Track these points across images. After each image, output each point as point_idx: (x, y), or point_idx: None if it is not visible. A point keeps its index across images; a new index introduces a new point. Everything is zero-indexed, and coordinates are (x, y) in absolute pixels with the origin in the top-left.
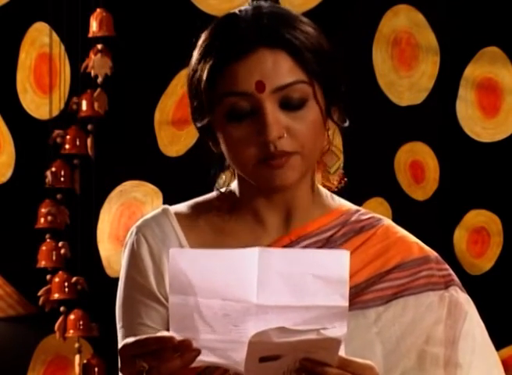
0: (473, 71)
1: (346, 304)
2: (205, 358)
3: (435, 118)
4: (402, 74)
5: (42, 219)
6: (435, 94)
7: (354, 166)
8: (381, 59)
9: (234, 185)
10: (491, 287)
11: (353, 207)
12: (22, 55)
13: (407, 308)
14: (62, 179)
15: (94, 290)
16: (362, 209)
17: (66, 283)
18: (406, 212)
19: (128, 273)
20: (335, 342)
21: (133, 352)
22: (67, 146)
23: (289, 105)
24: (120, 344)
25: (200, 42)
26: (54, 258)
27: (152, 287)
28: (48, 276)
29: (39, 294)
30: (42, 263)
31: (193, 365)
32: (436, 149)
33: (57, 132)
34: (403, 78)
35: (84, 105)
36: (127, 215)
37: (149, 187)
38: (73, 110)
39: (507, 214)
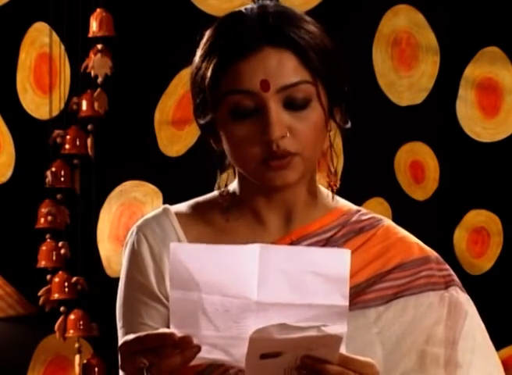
0: (473, 71)
1: (347, 303)
2: (206, 355)
3: (435, 118)
4: (402, 74)
5: (42, 219)
6: (435, 94)
7: (354, 166)
8: (381, 59)
9: (235, 185)
10: (491, 287)
11: (354, 207)
12: (22, 55)
13: (408, 308)
14: (62, 179)
15: (94, 290)
16: (363, 210)
17: (66, 283)
18: (406, 212)
19: (128, 273)
20: (336, 339)
21: (133, 349)
22: (67, 146)
23: (293, 104)
24: (120, 342)
25: (204, 40)
26: (54, 258)
27: (153, 287)
28: (48, 276)
29: (39, 294)
30: (42, 263)
31: (194, 362)
32: (436, 149)
33: (57, 132)
34: (403, 78)
35: (84, 105)
36: (127, 215)
37: (149, 187)
38: (73, 110)
39: (507, 214)
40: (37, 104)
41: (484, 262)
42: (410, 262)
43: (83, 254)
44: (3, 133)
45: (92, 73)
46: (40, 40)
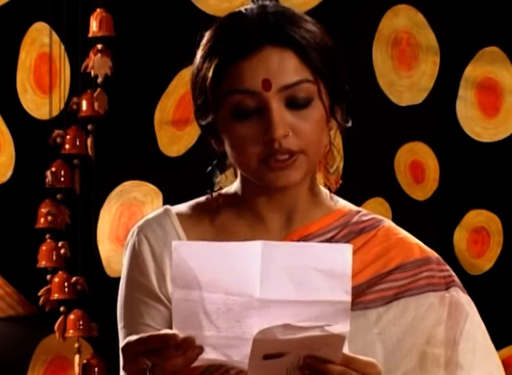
0: (473, 71)
1: (349, 299)
2: (208, 356)
3: (435, 118)
4: (402, 74)
5: (42, 219)
6: (435, 94)
7: (354, 166)
8: (381, 59)
9: (236, 185)
10: (491, 287)
11: (354, 208)
12: (22, 55)
13: (408, 308)
14: (62, 179)
15: (94, 290)
16: (363, 210)
17: (66, 284)
18: (406, 212)
19: (129, 273)
20: (339, 338)
21: (136, 350)
22: (67, 146)
23: (295, 103)
24: (123, 343)
25: (204, 41)
26: (54, 258)
27: (154, 287)
28: (48, 276)
29: (39, 294)
30: (42, 263)
31: (196, 363)
32: (436, 149)
33: (57, 132)
34: (403, 78)
35: (84, 105)
36: (127, 215)
37: (149, 187)
38: (73, 110)
39: (507, 214)
40: (37, 104)
41: (484, 262)
42: (411, 263)
43: (83, 254)
44: (3, 133)
45: (92, 73)
46: (40, 40)
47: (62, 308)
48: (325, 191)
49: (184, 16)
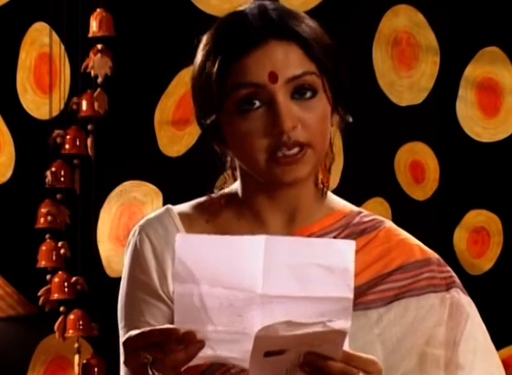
0: (473, 71)
1: (352, 295)
2: (209, 351)
3: (435, 118)
4: (402, 74)
5: (42, 219)
6: (435, 94)
7: (354, 166)
8: (381, 59)
9: (237, 185)
10: (491, 287)
11: (355, 209)
12: (22, 55)
13: (409, 309)
14: (62, 179)
15: (94, 290)
16: (364, 211)
17: (66, 283)
18: (406, 212)
19: (131, 272)
20: (340, 334)
21: (137, 344)
22: (67, 146)
23: (301, 95)
24: (124, 338)
25: (204, 42)
26: (54, 258)
27: (155, 286)
28: (48, 276)
29: (39, 294)
30: (42, 263)
31: (196, 361)
32: (436, 149)
33: (57, 132)
34: (403, 78)
35: (84, 105)
36: (127, 215)
37: (149, 187)
38: (73, 110)
39: (507, 214)
40: (37, 104)
41: (484, 262)
42: (412, 264)
43: (83, 254)
44: (3, 133)
45: (92, 73)
46: (40, 40)
47: (61, 308)
48: (325, 190)
49: (184, 16)
